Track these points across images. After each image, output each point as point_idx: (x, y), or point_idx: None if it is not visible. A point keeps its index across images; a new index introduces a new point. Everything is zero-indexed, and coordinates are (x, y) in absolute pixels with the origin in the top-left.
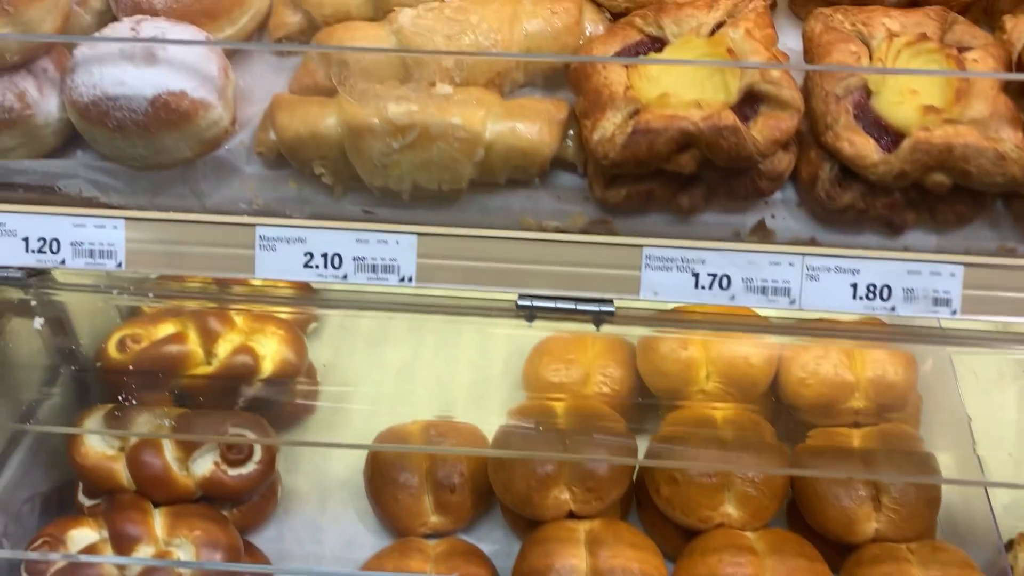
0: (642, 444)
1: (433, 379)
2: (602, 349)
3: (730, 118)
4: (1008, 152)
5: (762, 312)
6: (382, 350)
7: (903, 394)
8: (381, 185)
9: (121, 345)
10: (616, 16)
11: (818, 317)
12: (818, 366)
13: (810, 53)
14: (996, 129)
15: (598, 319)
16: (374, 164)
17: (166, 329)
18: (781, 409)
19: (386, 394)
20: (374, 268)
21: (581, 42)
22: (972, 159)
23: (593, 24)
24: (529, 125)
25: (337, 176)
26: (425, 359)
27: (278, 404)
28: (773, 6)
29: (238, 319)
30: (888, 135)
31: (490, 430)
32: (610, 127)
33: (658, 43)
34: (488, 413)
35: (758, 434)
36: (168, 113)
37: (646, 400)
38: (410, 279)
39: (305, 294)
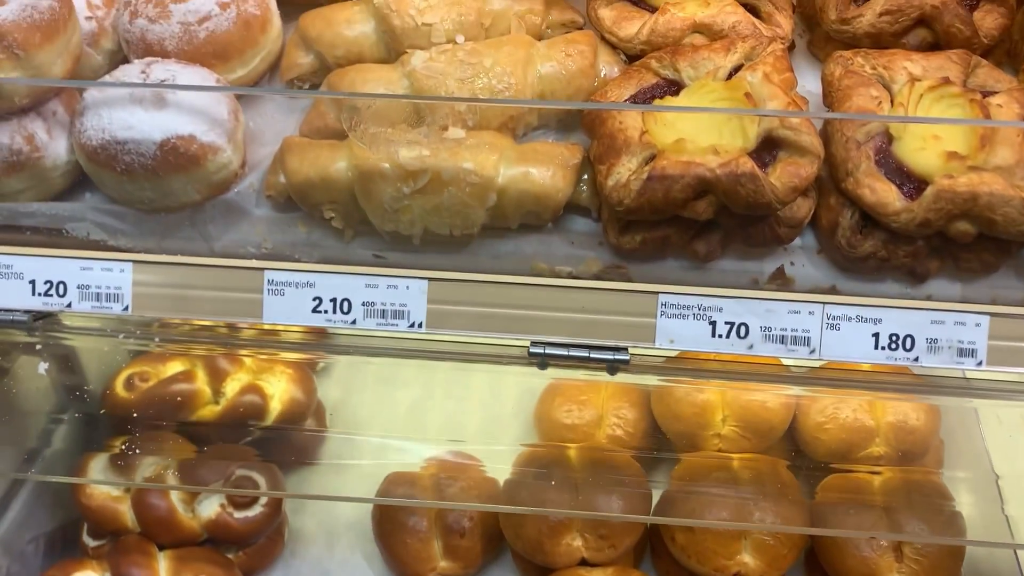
0: (657, 488)
1: (444, 417)
2: (616, 390)
3: (748, 165)
4: None
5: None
6: (392, 388)
7: (925, 440)
8: (391, 230)
9: (129, 383)
10: (632, 58)
11: (837, 365)
12: (837, 410)
13: (830, 97)
14: (1023, 177)
15: (612, 367)
16: (384, 209)
17: (174, 367)
18: (799, 454)
19: (396, 432)
20: (384, 313)
21: (596, 84)
22: (998, 208)
23: (608, 66)
24: (542, 170)
25: (347, 220)
26: (436, 397)
27: (287, 443)
28: (791, 48)
29: (247, 358)
30: (911, 182)
31: (501, 471)
32: (625, 173)
33: (674, 87)
34: (500, 453)
35: (776, 483)
36: (177, 157)
37: (661, 443)
38: (420, 325)
39: (316, 336)
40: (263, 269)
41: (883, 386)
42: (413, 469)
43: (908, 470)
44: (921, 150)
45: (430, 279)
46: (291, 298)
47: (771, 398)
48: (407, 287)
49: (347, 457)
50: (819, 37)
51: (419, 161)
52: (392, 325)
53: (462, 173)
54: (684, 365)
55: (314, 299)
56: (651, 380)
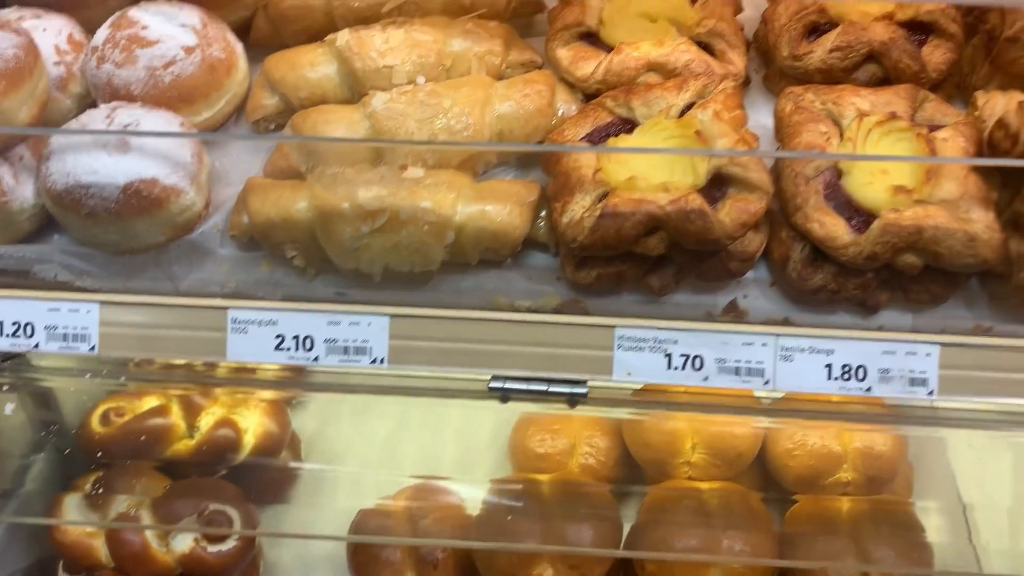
0: (628, 520)
1: (419, 449)
2: (589, 419)
3: (697, 201)
4: (979, 233)
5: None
6: (367, 420)
7: (892, 465)
8: (352, 268)
9: (104, 419)
10: (589, 97)
11: (804, 395)
12: (805, 437)
13: (781, 133)
14: (967, 209)
15: (572, 400)
16: (345, 248)
17: (149, 402)
18: (768, 481)
19: (371, 464)
20: (346, 350)
21: (553, 123)
22: (942, 241)
23: (566, 105)
24: (499, 207)
25: (309, 259)
26: (411, 428)
27: (261, 476)
28: (747, 83)
29: (221, 392)
30: (859, 215)
31: (476, 500)
32: (578, 210)
33: (628, 124)
34: (474, 483)
35: (745, 511)
36: (140, 200)
37: (632, 471)
38: (382, 361)
39: (291, 373)
40: (226, 308)
41: (850, 416)
42: (387, 502)
43: (877, 499)
44: (869, 184)
45: (391, 315)
46: (254, 336)
47: (740, 426)
48: (369, 324)
49: (322, 489)
50: (774, 72)
51: (377, 201)
52: (354, 361)
53: (420, 212)
54: (646, 397)
55: (276, 337)
56: (612, 412)
